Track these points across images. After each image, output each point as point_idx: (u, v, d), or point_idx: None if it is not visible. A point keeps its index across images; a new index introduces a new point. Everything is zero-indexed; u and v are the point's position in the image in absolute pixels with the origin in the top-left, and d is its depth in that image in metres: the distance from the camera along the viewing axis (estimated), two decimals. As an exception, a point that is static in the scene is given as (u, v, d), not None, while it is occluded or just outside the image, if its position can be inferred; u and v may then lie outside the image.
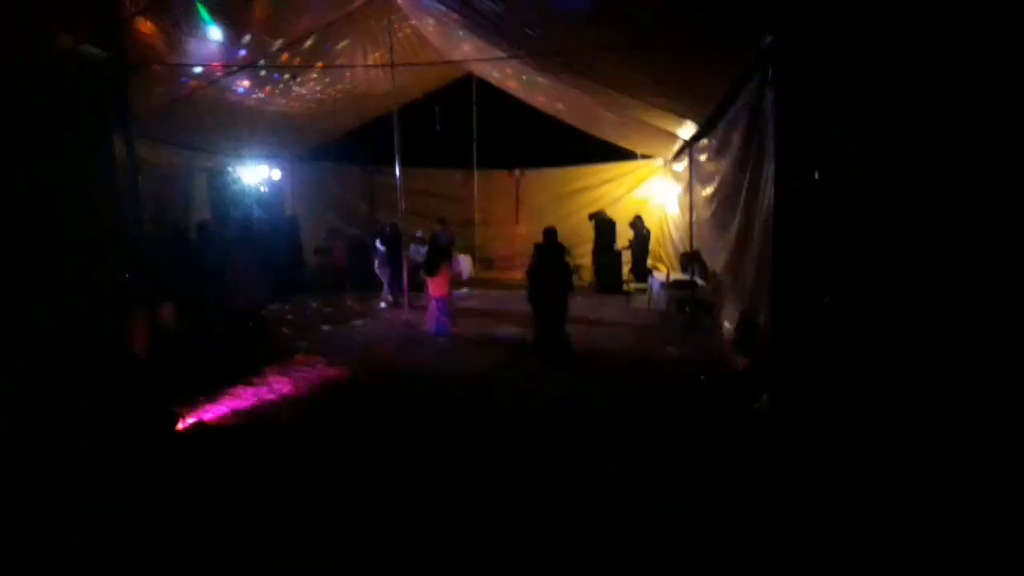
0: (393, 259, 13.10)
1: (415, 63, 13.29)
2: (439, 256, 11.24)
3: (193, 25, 9.35)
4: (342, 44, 12.30)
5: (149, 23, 8.67)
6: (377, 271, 13.55)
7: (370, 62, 13.03)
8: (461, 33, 11.25)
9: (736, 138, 8.02)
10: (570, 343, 9.54)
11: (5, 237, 5.79)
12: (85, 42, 6.90)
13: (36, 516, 4.85)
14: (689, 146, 12.04)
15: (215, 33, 9.76)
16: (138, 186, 8.35)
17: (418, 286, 12.88)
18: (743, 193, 7.72)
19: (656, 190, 17.03)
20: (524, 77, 13.19)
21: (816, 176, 5.87)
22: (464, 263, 17.14)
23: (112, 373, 6.52)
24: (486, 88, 16.21)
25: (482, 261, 18.32)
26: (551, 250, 9.51)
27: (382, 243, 13.26)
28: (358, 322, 12.36)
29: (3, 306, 5.69)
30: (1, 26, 5.90)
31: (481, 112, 17.06)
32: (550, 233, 9.58)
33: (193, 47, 9.92)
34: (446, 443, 6.50)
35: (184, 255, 10.33)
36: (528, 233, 16.65)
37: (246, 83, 12.05)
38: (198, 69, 10.50)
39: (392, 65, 11.83)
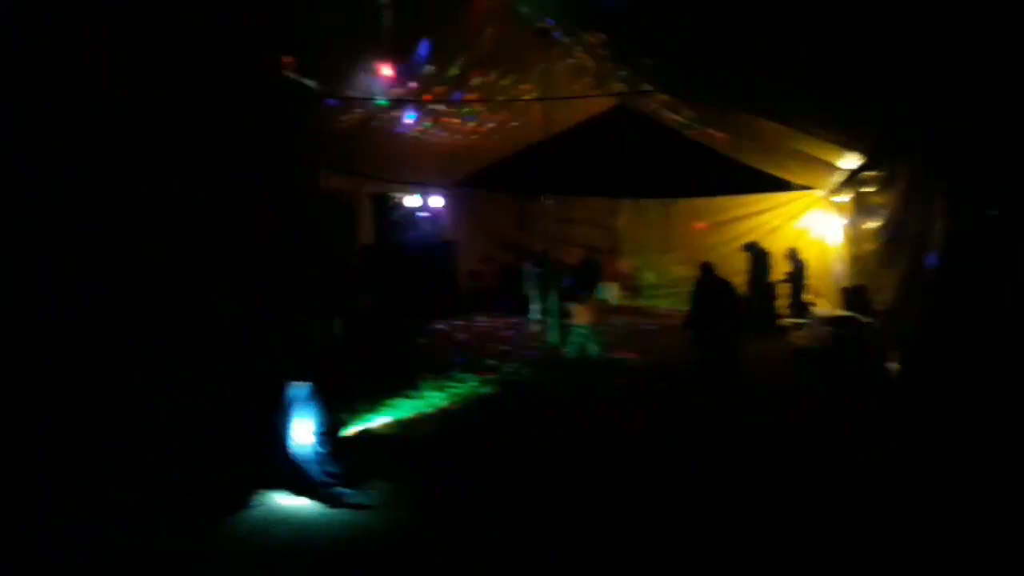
0: (543, 283, 13.31)
1: (568, 97, 13.56)
2: (588, 283, 11.33)
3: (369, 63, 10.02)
4: (498, 78, 12.72)
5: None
6: (527, 294, 13.80)
7: (524, 95, 13.40)
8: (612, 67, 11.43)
9: (904, 171, 7.66)
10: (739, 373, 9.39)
11: (218, 246, 6.33)
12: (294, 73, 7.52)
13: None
14: (853, 177, 11.56)
15: (388, 69, 10.39)
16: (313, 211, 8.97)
17: (566, 312, 13.00)
18: (912, 227, 7.34)
19: (815, 222, 16.38)
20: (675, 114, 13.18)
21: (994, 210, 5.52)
22: (610, 291, 17.11)
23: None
24: (638, 118, 16.19)
25: (629, 290, 18.22)
26: (711, 284, 9.47)
27: (535, 267, 13.51)
28: (506, 344, 12.62)
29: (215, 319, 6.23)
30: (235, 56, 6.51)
31: (632, 141, 17.02)
32: (706, 269, 9.53)
33: (365, 82, 10.61)
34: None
35: (350, 275, 10.96)
36: (677, 263, 16.47)
37: (410, 117, 12.71)
38: (378, 101, 11.14)
39: (543, 99, 12.11)
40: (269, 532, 5.33)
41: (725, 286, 9.53)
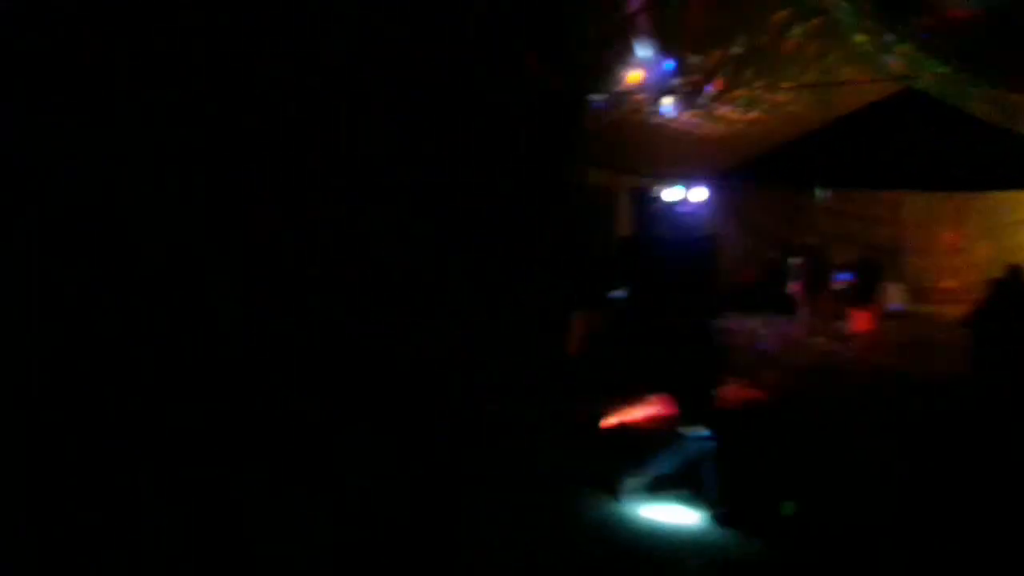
0: (811, 282, 12.44)
1: (847, 82, 12.47)
2: (866, 285, 10.39)
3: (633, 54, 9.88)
4: (770, 64, 11.98)
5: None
6: (791, 292, 12.99)
7: (799, 80, 12.51)
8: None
9: None
10: None
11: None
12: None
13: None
14: None
15: (651, 59, 10.18)
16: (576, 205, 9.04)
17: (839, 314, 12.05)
18: None
19: None
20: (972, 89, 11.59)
21: None
22: (894, 293, 15.56)
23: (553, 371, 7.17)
24: (930, 102, 14.52)
25: (917, 292, 16.43)
26: (1012, 294, 8.12)
27: (804, 263, 12.70)
28: (766, 347, 11.93)
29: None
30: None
31: (923, 128, 15.30)
32: (1013, 272, 8.21)
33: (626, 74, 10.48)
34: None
35: (609, 268, 10.95)
36: (971, 264, 14.61)
37: (672, 107, 12.36)
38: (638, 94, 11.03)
39: (817, 84, 11.24)
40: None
41: None
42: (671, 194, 15.32)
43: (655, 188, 15.12)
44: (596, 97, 10.41)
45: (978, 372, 8.28)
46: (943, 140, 15.07)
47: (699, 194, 16.05)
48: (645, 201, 14.46)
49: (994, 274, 8.83)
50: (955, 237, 16.33)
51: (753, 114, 13.69)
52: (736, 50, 10.98)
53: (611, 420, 7.49)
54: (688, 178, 15.87)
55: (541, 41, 7.34)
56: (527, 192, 7.17)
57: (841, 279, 13.21)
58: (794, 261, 12.82)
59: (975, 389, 8.41)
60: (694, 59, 11.01)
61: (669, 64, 10.74)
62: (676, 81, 11.38)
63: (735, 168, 16.79)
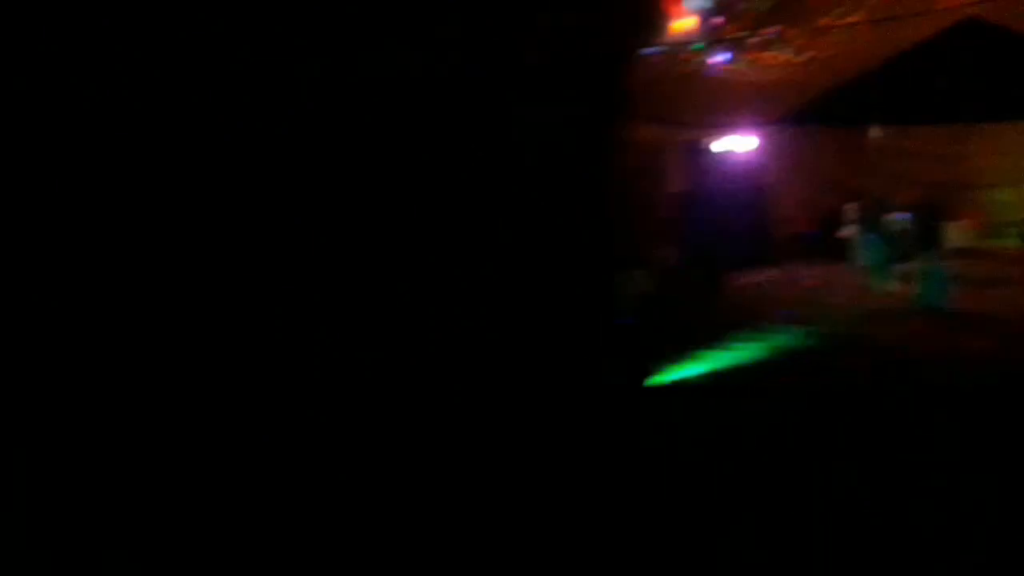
0: (868, 227, 12.31)
1: (907, 15, 12.08)
2: (928, 224, 10.29)
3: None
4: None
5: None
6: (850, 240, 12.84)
7: (854, 17, 12.20)
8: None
9: None
10: None
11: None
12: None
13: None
14: None
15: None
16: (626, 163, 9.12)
17: (900, 259, 11.90)
18: None
19: None
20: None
21: None
22: (960, 232, 15.17)
23: (604, 331, 7.42)
24: (992, 30, 13.96)
25: (982, 229, 15.95)
26: None
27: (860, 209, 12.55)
28: (826, 294, 11.89)
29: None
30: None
31: (985, 58, 14.71)
32: None
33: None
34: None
35: (662, 226, 11.08)
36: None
37: (720, 56, 12.25)
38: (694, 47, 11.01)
39: (877, 21, 10.96)
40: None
41: None
42: (723, 145, 15.15)
43: (707, 140, 14.99)
44: (645, 50, 10.43)
45: None
46: (1008, 68, 14.49)
47: (752, 143, 15.85)
48: (697, 154, 14.38)
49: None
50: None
51: (806, 56, 13.43)
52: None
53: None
54: (741, 127, 15.67)
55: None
56: (581, 152, 7.33)
57: (901, 218, 12.99)
58: (849, 206, 12.63)
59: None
60: (744, 4, 10.91)
61: (716, 10, 10.68)
62: (726, 28, 11.29)
63: (788, 114, 16.50)
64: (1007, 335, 8.79)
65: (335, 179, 5.28)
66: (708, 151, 14.80)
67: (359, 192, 5.47)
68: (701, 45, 11.41)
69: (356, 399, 5.30)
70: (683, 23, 10.60)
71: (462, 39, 6.16)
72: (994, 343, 8.53)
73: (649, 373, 7.70)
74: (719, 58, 12.40)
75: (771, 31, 11.72)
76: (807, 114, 16.34)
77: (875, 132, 11.38)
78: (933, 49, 14.56)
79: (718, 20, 10.98)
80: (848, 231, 12.75)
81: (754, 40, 11.96)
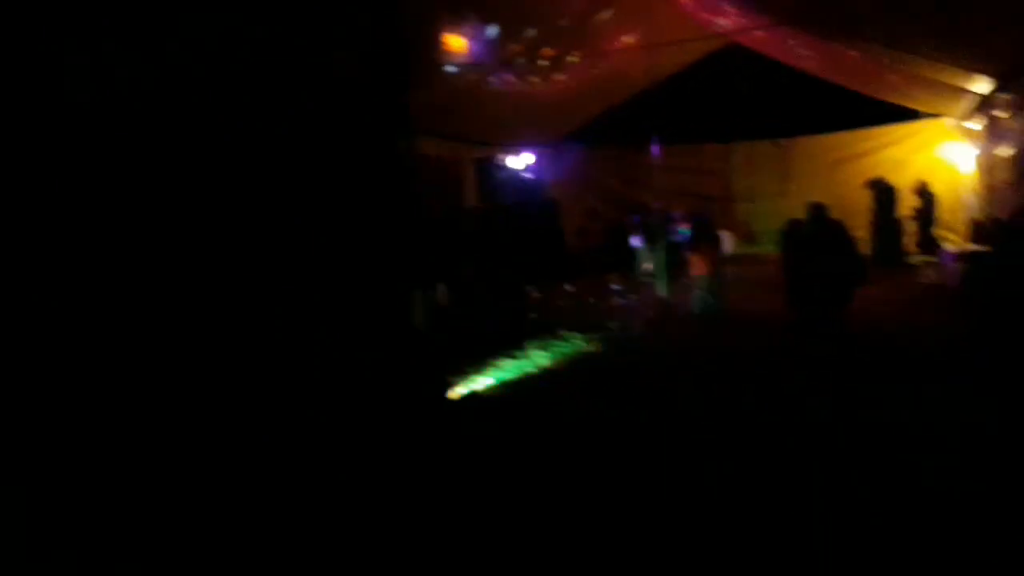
0: (651, 237, 13.13)
1: (673, 41, 13.12)
2: (701, 233, 11.07)
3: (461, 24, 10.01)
4: (600, 22, 12.41)
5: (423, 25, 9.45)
6: (634, 249, 13.63)
7: (627, 41, 13.04)
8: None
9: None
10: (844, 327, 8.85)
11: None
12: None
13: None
14: (985, 102, 10.67)
15: (480, 30, 10.36)
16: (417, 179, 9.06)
17: (678, 266, 12.75)
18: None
19: (945, 152, 15.26)
20: (791, 41, 12.51)
21: None
22: (725, 239, 16.62)
23: (400, 345, 7.25)
24: (748, 56, 15.51)
25: (745, 237, 17.63)
26: (821, 230, 8.76)
27: (642, 220, 13.34)
28: (616, 301, 12.52)
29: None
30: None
31: (741, 81, 16.33)
32: (816, 209, 8.84)
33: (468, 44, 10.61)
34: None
35: (454, 240, 11.13)
36: (794, 206, 15.76)
37: (509, 75, 12.62)
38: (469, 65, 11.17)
39: (649, 45, 11.79)
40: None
41: (835, 229, 8.77)
42: (515, 162, 15.61)
43: (500, 157, 15.37)
44: (433, 68, 10.49)
45: (791, 301, 8.98)
46: (765, 91, 16.19)
47: (542, 160, 16.47)
48: (490, 170, 14.70)
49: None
50: (779, 181, 17.58)
51: (588, 78, 14.19)
52: (563, 21, 11.38)
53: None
54: (531, 145, 16.24)
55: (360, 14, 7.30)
56: (363, 170, 7.15)
57: (680, 231, 13.96)
58: (633, 219, 13.43)
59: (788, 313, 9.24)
60: (524, 29, 11.31)
61: (493, 33, 10.96)
62: (508, 50, 11.63)
63: (573, 132, 17.36)
64: (769, 331, 9.59)
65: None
66: (501, 167, 15.18)
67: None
68: (488, 65, 11.70)
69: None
70: (466, 42, 10.78)
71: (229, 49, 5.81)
72: (760, 339, 9.32)
73: (447, 386, 7.68)
74: (509, 78, 12.79)
75: (555, 53, 12.28)
76: (590, 132, 17.31)
77: (654, 149, 12.14)
78: (699, 73, 15.98)
79: (506, 41, 11.32)
80: (633, 242, 13.52)
81: (541, 62, 12.46)
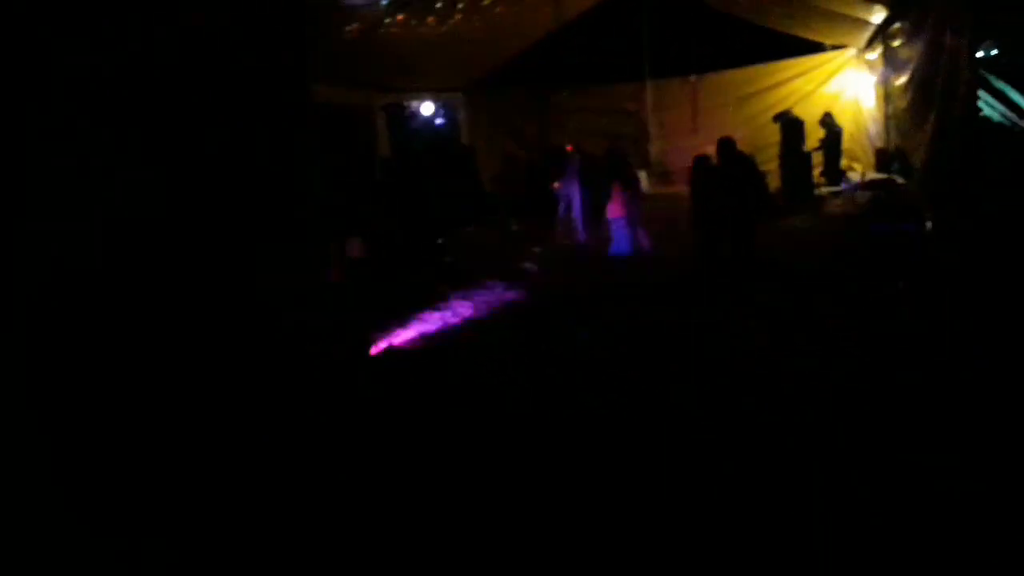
0: (569, 180, 13.09)
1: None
2: (618, 174, 11.06)
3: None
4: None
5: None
6: (554, 193, 13.59)
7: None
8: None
9: (931, 17, 7.15)
10: (752, 255, 9.03)
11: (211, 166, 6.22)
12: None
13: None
14: (882, 31, 10.90)
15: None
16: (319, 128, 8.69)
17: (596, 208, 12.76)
18: (939, 79, 6.89)
19: (848, 83, 15.60)
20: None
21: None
22: (642, 179, 16.72)
23: (312, 301, 7.06)
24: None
25: (659, 176, 17.77)
26: (731, 165, 8.80)
27: (560, 163, 13.29)
28: (536, 248, 12.52)
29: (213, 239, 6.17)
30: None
31: (651, 19, 16.27)
32: (726, 144, 8.88)
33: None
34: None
35: (369, 190, 10.88)
36: (707, 142, 15.94)
37: (415, 17, 12.22)
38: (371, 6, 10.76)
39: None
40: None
41: (744, 162, 8.86)
42: (426, 108, 15.28)
43: (410, 103, 15.01)
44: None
45: (697, 237, 9.08)
46: (674, 29, 16.18)
47: (453, 105, 16.19)
48: (402, 117, 14.35)
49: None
50: (691, 118, 17.72)
51: (495, 19, 13.90)
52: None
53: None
54: (442, 90, 15.91)
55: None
56: (259, 121, 6.82)
57: (595, 172, 13.96)
58: (550, 162, 13.35)
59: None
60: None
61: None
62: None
63: (484, 76, 17.08)
64: (683, 267, 9.70)
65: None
66: (413, 114, 14.84)
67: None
68: (390, 6, 11.29)
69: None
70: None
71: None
72: (674, 275, 9.44)
73: (366, 342, 7.55)
74: (413, 22, 12.41)
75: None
76: (502, 76, 17.06)
77: (566, 91, 12.07)
78: (603, 14, 15.87)
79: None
80: (555, 184, 13.45)
81: (444, 4, 12.10)
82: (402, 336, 7.83)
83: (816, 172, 14.98)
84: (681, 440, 4.78)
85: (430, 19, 12.45)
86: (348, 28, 11.23)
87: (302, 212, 7.01)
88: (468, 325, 8.23)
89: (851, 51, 15.29)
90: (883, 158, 12.22)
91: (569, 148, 13.26)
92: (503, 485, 4.43)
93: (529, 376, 6.36)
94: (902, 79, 9.46)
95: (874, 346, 6.01)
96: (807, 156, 14.87)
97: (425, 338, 7.82)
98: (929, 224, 8.47)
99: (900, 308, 6.87)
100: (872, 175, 12.09)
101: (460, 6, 12.17)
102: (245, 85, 6.59)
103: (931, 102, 7.43)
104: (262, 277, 6.47)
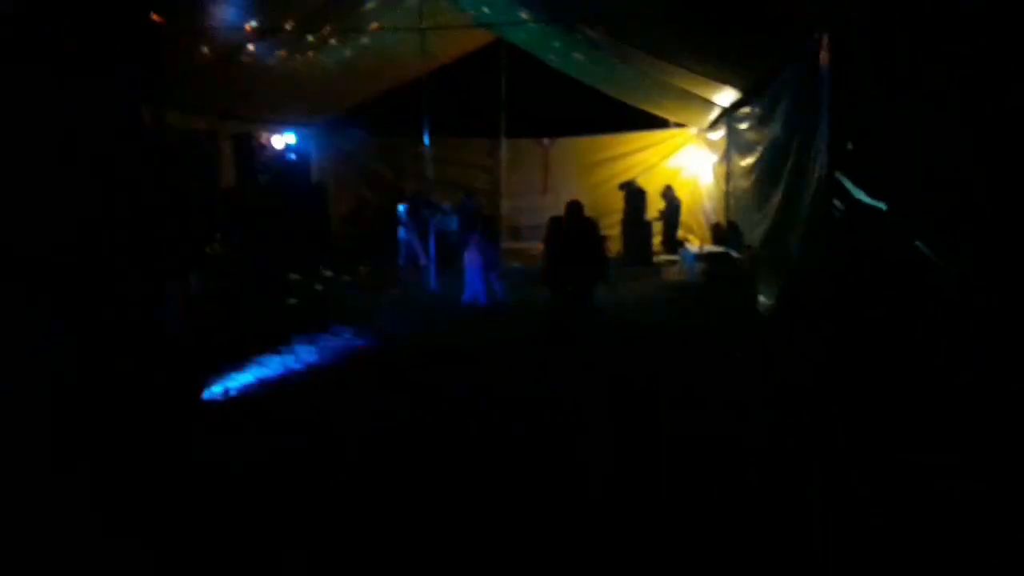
0: (422, 227, 12.98)
1: (445, 26, 13.01)
2: (471, 226, 11.07)
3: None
4: (370, 4, 11.97)
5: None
6: (404, 240, 13.40)
7: (398, 24, 12.69)
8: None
9: (784, 107, 7.70)
10: (596, 313, 9.20)
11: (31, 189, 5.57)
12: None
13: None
14: (728, 114, 11.68)
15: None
16: (164, 153, 8.06)
17: (447, 257, 12.68)
18: (789, 163, 7.40)
19: (689, 160, 16.65)
20: (556, 44, 12.90)
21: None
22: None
23: (141, 342, 6.41)
24: (516, 53, 15.84)
25: (509, 231, 18.01)
26: (577, 226, 8.96)
27: (414, 210, 13.15)
28: (387, 292, 12.21)
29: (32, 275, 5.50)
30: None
31: (510, 79, 16.63)
32: (575, 207, 9.04)
33: (219, 9, 9.74)
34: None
35: (212, 224, 10.21)
36: (556, 203, 16.37)
37: (271, 49, 11.79)
38: (221, 33, 10.27)
39: (421, 28, 11.56)
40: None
41: (589, 226, 9.06)
42: (277, 141, 14.66)
43: (260, 135, 14.35)
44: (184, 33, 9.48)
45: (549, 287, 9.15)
46: (529, 89, 16.59)
47: (306, 140, 15.66)
48: (250, 148, 13.65)
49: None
50: (542, 179, 18.17)
51: (359, 60, 13.67)
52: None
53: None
54: (294, 125, 15.38)
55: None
56: (97, 146, 6.22)
57: (444, 222, 13.99)
58: (403, 209, 13.21)
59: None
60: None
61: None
62: (263, 22, 10.79)
63: (340, 113, 16.73)
64: (534, 319, 9.71)
65: None
66: (263, 145, 14.18)
67: None
68: (242, 36, 10.83)
69: None
70: (228, 9, 9.95)
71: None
72: (525, 327, 9.47)
73: (200, 387, 6.93)
74: (272, 52, 11.95)
75: (323, 30, 11.64)
76: (361, 116, 16.77)
77: (425, 143, 12.05)
78: (470, 65, 16.09)
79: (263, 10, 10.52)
80: (400, 233, 13.29)
81: (308, 38, 11.76)
82: (239, 381, 7.26)
83: (656, 240, 15.73)
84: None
85: (282, 52, 12.03)
86: (202, 50, 10.61)
87: (142, 240, 6.43)
88: (312, 372, 7.76)
89: (693, 129, 16.32)
90: (718, 232, 12.98)
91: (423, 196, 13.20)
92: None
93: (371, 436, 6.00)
94: (746, 160, 10.14)
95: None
96: (648, 224, 15.61)
97: (265, 384, 7.28)
98: (762, 297, 9.02)
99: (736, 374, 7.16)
100: (709, 247, 12.80)
101: (311, 40, 11.81)
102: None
103: (777, 184, 7.96)
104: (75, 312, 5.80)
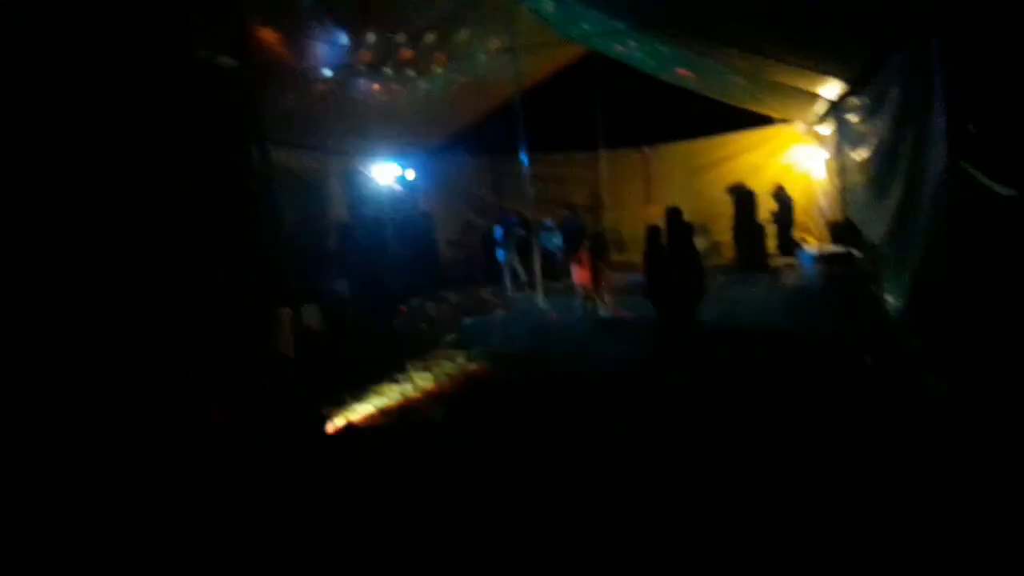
0: (524, 246, 12.98)
1: (537, 43, 13.04)
2: (575, 242, 11.02)
3: (315, 29, 9.46)
4: (463, 34, 12.14)
5: (272, 31, 8.84)
6: (504, 261, 13.45)
7: (492, 49, 12.82)
8: (579, 9, 10.90)
9: (895, 94, 7.21)
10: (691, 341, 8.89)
11: (149, 243, 5.85)
12: (218, 53, 6.95)
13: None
14: (835, 107, 11.11)
15: (337, 36, 9.84)
16: (274, 191, 8.32)
17: (554, 274, 12.64)
18: (906, 155, 6.90)
19: (799, 157, 15.94)
20: (647, 49, 12.68)
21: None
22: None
23: (261, 377, 6.63)
24: (610, 64, 15.65)
25: (613, 244, 17.74)
26: (678, 235, 8.68)
27: (515, 229, 13.22)
28: (496, 313, 12.24)
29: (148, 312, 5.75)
30: (142, 40, 5.98)
31: (606, 90, 16.47)
32: (675, 214, 8.77)
33: (317, 51, 10.07)
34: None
35: (325, 257, 10.51)
36: (660, 212, 16.05)
37: (373, 83, 12.12)
38: (326, 72, 10.62)
39: (515, 49, 11.62)
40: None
41: (688, 233, 8.73)
42: (383, 172, 15.05)
43: (367, 167, 14.77)
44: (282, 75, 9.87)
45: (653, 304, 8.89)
46: (625, 98, 16.37)
47: (411, 169, 16.00)
48: (359, 182, 14.08)
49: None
50: (644, 188, 17.86)
51: (453, 87, 13.89)
52: (422, 23, 10.97)
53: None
54: (399, 155, 15.74)
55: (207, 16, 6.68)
56: (206, 183, 6.51)
57: (548, 240, 13.97)
58: (501, 230, 13.31)
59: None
60: (383, 35, 10.84)
61: (344, 39, 10.44)
62: (367, 57, 11.11)
63: (442, 140, 17.02)
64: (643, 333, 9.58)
65: None
66: (370, 178, 14.59)
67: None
68: (345, 72, 11.17)
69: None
70: (326, 50, 10.28)
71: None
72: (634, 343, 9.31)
73: (322, 419, 7.09)
74: (372, 85, 12.28)
75: (412, 61, 11.88)
76: (461, 141, 17.03)
77: (524, 159, 12.08)
78: (564, 80, 16.05)
79: (364, 47, 10.82)
80: (500, 252, 13.35)
81: (405, 68, 12.02)
82: (361, 412, 7.39)
83: (771, 243, 15.16)
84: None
85: (395, 86, 12.33)
86: (315, 89, 11.02)
87: (258, 275, 6.67)
88: (429, 399, 7.82)
89: (800, 125, 15.64)
90: (837, 230, 12.36)
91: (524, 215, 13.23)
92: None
93: (501, 453, 5.98)
94: (860, 153, 9.57)
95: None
96: (760, 227, 15.05)
97: (385, 414, 7.39)
98: (890, 298, 8.46)
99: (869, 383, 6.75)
100: (828, 247, 12.18)
101: (424, 72, 12.08)
102: (198, 143, 6.33)
103: (893, 177, 7.46)
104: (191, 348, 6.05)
